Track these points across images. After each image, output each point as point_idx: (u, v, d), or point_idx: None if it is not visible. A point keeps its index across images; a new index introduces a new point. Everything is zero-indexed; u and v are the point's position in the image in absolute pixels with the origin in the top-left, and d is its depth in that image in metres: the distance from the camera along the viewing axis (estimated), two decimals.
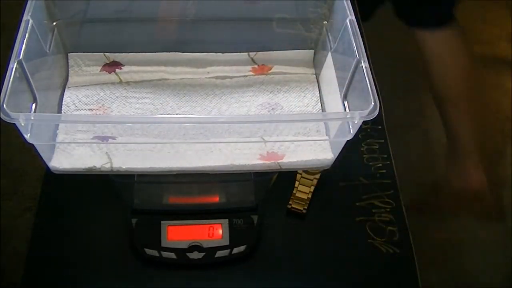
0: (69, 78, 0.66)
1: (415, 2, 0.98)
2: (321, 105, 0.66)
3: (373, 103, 0.50)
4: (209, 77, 0.68)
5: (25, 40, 0.52)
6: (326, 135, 0.62)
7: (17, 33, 0.53)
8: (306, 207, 0.71)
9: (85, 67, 0.67)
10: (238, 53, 0.68)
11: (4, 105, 0.46)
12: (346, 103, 0.58)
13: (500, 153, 1.52)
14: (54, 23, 0.63)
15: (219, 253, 0.66)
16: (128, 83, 0.66)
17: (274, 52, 0.68)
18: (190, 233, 0.66)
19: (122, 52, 0.67)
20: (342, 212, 0.73)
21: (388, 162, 0.77)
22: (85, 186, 0.70)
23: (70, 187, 0.71)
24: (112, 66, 0.67)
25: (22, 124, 0.48)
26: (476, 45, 1.70)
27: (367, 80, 0.52)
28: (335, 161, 0.60)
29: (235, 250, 0.66)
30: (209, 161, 0.57)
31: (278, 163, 0.58)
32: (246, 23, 0.67)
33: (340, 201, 0.72)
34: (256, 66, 0.69)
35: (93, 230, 0.69)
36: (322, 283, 0.68)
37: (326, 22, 0.66)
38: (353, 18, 0.57)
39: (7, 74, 0.49)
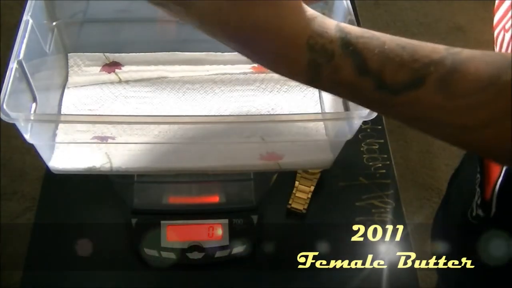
0: (69, 78, 0.66)
1: None
2: (321, 105, 0.66)
3: None
4: (209, 74, 0.68)
5: (25, 40, 0.52)
6: (326, 135, 0.62)
7: (17, 33, 0.53)
8: (306, 207, 0.71)
9: (85, 67, 0.67)
10: (238, 53, 0.68)
11: (4, 105, 0.47)
12: (346, 103, 0.58)
13: None
14: (54, 23, 0.63)
15: (219, 253, 0.66)
16: (127, 82, 0.66)
17: None
18: (190, 233, 0.66)
19: (121, 52, 0.67)
20: (342, 212, 0.73)
21: (388, 162, 0.77)
22: (85, 186, 0.70)
23: (70, 187, 0.71)
24: (112, 66, 0.67)
25: (22, 124, 0.48)
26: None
27: None
28: (335, 161, 0.60)
29: (235, 250, 0.66)
30: (209, 161, 0.57)
31: (278, 163, 0.58)
32: None
33: (340, 201, 0.72)
34: (255, 65, 0.68)
35: (93, 230, 0.69)
36: (322, 283, 0.68)
37: None
38: (353, 18, 0.57)
39: (7, 74, 0.49)
